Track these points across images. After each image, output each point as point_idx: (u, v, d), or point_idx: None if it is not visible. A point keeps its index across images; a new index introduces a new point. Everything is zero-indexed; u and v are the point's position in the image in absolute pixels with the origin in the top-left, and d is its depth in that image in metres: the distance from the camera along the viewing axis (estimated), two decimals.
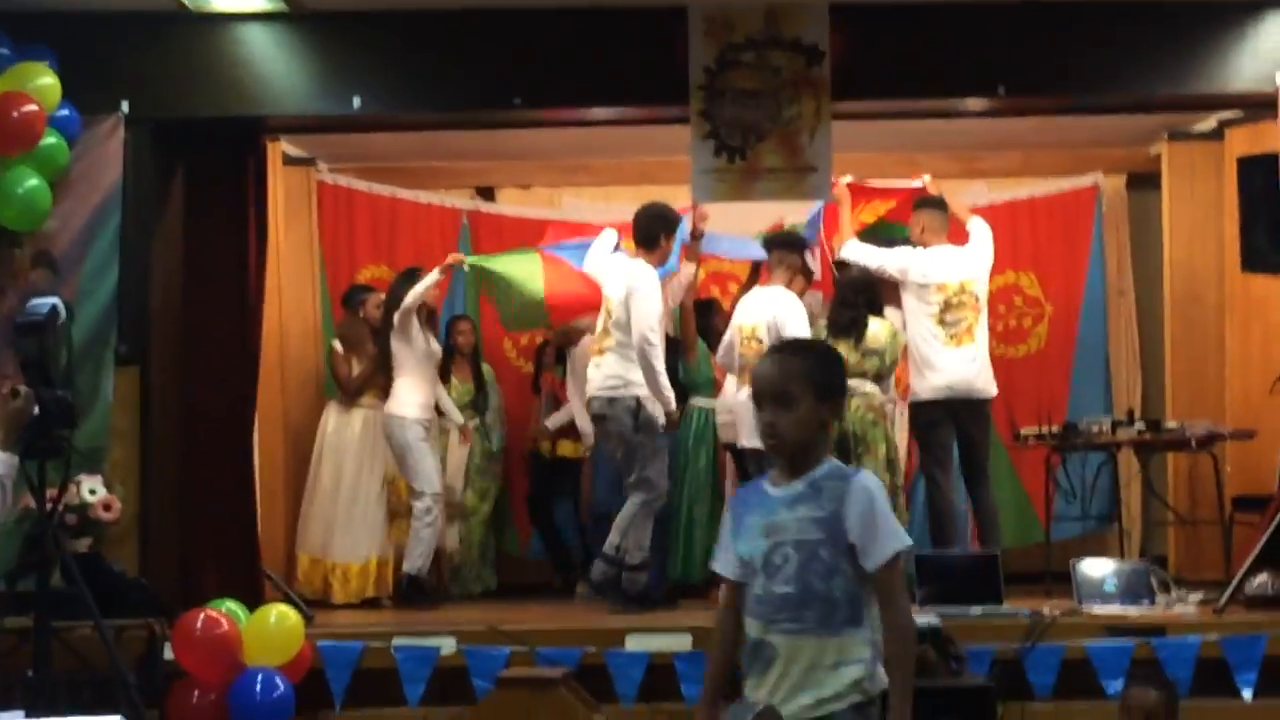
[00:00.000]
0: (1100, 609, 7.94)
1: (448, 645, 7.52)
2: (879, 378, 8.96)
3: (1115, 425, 9.24)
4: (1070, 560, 8.38)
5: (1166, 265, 10.48)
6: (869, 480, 4.12)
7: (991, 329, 10.21)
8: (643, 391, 8.48)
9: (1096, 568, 8.36)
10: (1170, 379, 10.45)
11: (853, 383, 8.76)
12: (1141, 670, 6.04)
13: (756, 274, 9.51)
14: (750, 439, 8.60)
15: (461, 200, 11.15)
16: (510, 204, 11.32)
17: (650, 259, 8.69)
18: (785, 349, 4.47)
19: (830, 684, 4.04)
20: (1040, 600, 8.27)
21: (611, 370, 8.55)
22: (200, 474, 8.56)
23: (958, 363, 9.02)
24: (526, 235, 10.19)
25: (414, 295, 9.13)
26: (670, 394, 8.58)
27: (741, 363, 8.82)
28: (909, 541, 4.11)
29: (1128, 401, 10.53)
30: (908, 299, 9.14)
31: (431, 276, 9.21)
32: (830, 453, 4.19)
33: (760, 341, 8.65)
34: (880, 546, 4.04)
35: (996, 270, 9.76)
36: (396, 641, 7.54)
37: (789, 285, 8.93)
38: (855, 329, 8.87)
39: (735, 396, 8.97)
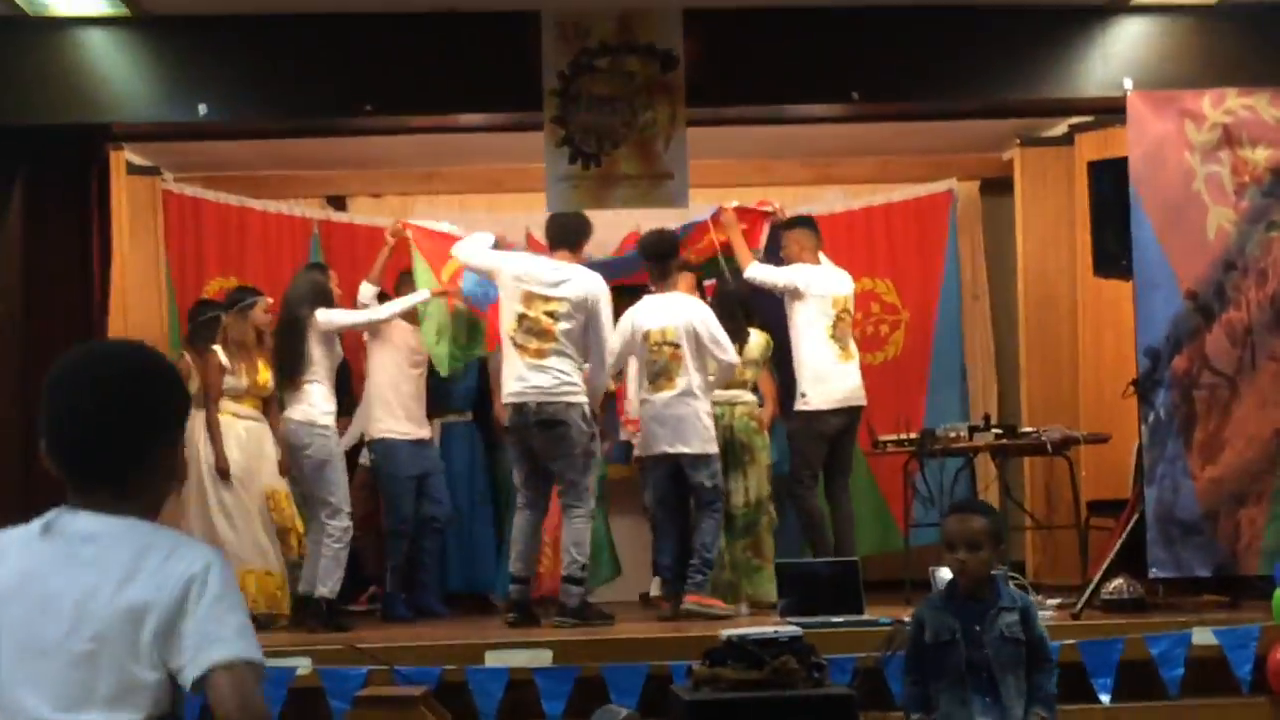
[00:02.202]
0: None
1: (303, 665, 7.36)
2: (755, 387, 9.36)
3: (972, 430, 9.32)
4: (929, 567, 8.42)
5: (1020, 270, 10.64)
6: None
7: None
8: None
9: (946, 573, 8.42)
10: (1025, 383, 10.60)
11: (735, 392, 9.19)
12: (963, 500, 6.14)
13: None
14: (670, 444, 8.77)
15: (312, 210, 11.02)
16: (362, 213, 11.19)
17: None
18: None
19: None
20: (900, 608, 8.29)
21: (565, 375, 8.44)
22: (44, 499, 8.30)
23: (849, 375, 9.35)
24: (379, 244, 10.04)
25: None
26: None
27: (656, 367, 8.79)
28: None
29: (984, 406, 10.64)
30: (803, 313, 9.32)
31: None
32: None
33: (676, 346, 8.69)
34: None
35: (855, 278, 9.85)
36: None
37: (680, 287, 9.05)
38: (739, 339, 9.13)
39: (643, 403, 8.92)
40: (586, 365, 8.61)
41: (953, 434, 9.26)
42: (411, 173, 11.17)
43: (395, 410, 9.39)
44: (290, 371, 8.80)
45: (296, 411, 8.74)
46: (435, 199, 11.31)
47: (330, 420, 8.77)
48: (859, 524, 9.87)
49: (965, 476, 9.86)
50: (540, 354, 8.44)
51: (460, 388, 9.97)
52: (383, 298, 9.50)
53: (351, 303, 9.46)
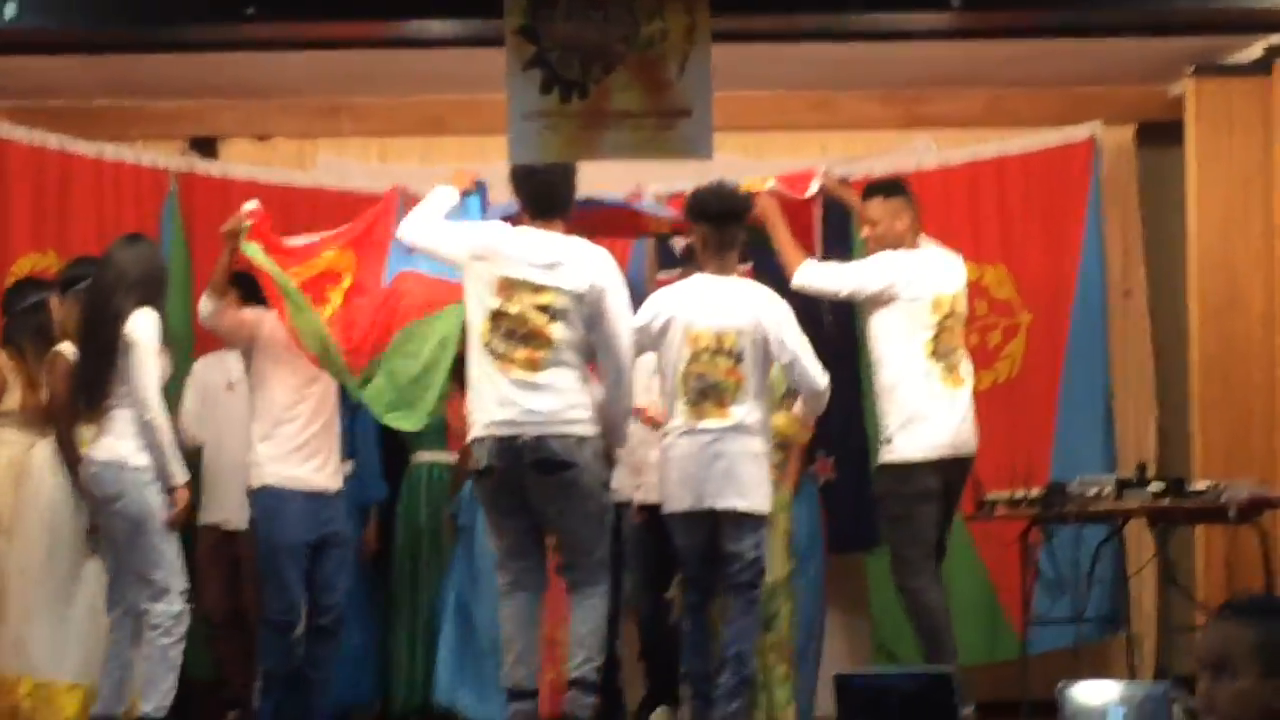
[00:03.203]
0: None
1: None
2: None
3: (1121, 486, 9.30)
4: (1057, 684, 8.42)
5: (1192, 255, 10.63)
6: None
7: None
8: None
9: (1095, 693, 8.39)
10: (1199, 419, 10.60)
11: None
12: (1239, 596, 5.60)
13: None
14: (718, 496, 8.66)
15: (168, 157, 11.01)
16: (240, 161, 11.20)
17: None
18: None
19: None
20: None
21: (573, 396, 8.34)
22: None
23: (957, 410, 9.22)
24: (265, 207, 10.03)
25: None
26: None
27: (703, 384, 8.71)
28: None
29: (1138, 452, 10.62)
30: (887, 323, 9.24)
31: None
32: None
33: (736, 359, 8.62)
34: None
35: None
36: None
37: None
38: None
39: (676, 433, 8.81)
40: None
41: (1092, 491, 9.24)
42: (311, 105, 11.20)
43: (286, 444, 9.32)
44: (94, 390, 8.74)
45: (100, 448, 8.72)
46: (344, 143, 11.31)
47: (149, 460, 8.77)
48: (958, 622, 9.87)
49: (1110, 552, 9.86)
50: (533, 365, 8.30)
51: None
52: (251, 287, 9.50)
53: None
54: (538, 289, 8.34)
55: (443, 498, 10.23)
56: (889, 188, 9.51)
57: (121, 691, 8.70)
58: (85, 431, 9.02)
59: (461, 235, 8.67)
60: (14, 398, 9.22)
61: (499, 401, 8.32)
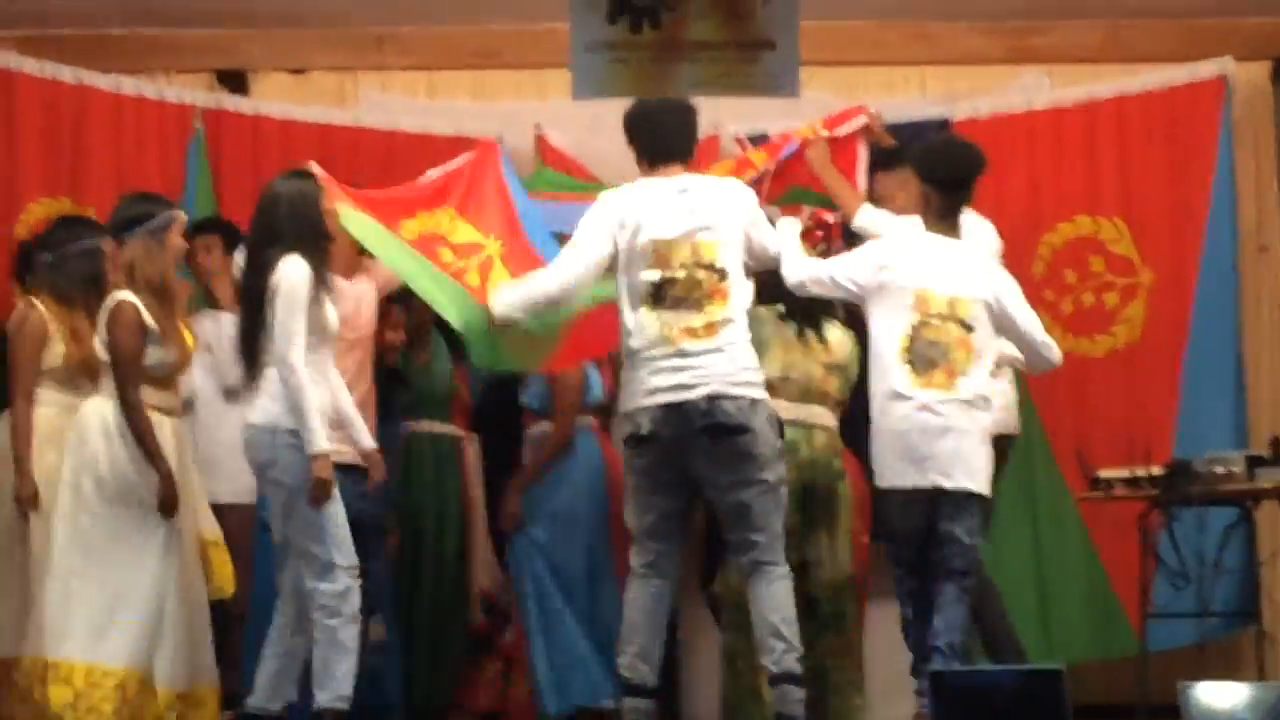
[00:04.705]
0: None
1: None
2: (838, 405, 9.28)
3: (1252, 464, 9.26)
4: (1178, 683, 8.40)
5: None
6: None
7: (1054, 308, 10.24)
8: None
9: (1221, 696, 8.36)
10: None
11: (813, 409, 9.12)
12: None
13: None
14: (945, 473, 8.53)
15: (194, 92, 11.02)
16: (272, 99, 11.21)
17: None
18: None
19: None
20: None
21: (747, 357, 8.32)
22: None
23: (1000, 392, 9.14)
24: (301, 147, 10.06)
25: None
26: None
27: (931, 352, 8.55)
28: None
29: (1271, 426, 10.56)
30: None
31: None
32: None
33: (969, 328, 8.50)
34: None
35: (1064, 216, 9.79)
36: None
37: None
38: (809, 321, 9.09)
39: (895, 398, 8.71)
40: None
41: (1221, 469, 9.20)
42: (352, 35, 11.19)
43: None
44: (247, 349, 8.63)
45: (255, 410, 8.59)
46: (389, 76, 11.29)
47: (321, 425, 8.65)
48: (1068, 615, 9.85)
49: (1239, 536, 9.81)
50: (711, 329, 8.27)
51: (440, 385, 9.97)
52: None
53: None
54: (696, 243, 8.27)
55: (449, 473, 10.23)
56: (890, 157, 9.41)
57: (279, 684, 8.66)
58: (151, 394, 8.96)
59: (604, 214, 8.46)
60: (55, 352, 9.14)
61: (663, 368, 8.28)
